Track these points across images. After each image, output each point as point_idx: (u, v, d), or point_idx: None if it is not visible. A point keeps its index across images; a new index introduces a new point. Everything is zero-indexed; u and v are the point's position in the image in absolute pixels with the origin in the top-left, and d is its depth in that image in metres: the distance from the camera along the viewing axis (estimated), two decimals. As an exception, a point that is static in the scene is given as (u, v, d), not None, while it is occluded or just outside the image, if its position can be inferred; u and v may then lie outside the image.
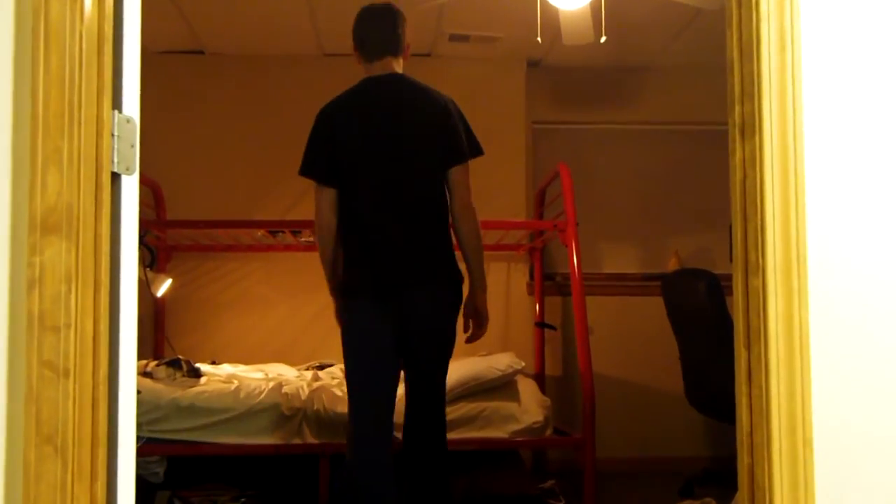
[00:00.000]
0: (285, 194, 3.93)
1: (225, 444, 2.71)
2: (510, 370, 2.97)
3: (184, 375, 3.07)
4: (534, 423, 2.85)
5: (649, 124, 4.23)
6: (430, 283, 2.07)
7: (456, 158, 2.10)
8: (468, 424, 2.81)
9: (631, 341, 3.97)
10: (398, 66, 2.16)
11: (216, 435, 2.72)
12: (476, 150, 2.15)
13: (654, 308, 3.53)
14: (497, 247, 3.85)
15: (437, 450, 2.11)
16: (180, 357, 3.16)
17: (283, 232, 3.49)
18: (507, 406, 2.87)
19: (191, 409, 2.74)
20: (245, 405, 2.76)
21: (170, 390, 2.83)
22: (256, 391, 2.84)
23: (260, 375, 3.23)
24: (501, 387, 2.96)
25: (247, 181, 3.96)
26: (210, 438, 2.71)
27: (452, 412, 2.76)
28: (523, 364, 3.04)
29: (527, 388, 3.07)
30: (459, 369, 2.95)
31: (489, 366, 2.96)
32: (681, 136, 4.23)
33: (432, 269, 2.07)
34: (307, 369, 3.56)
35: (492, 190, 3.98)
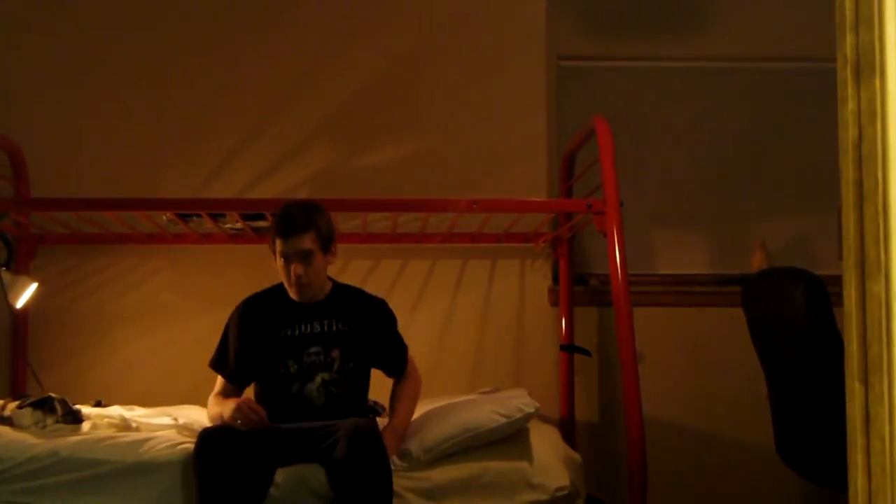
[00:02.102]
0: (200, 164, 3.93)
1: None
2: (520, 415, 2.95)
3: (58, 421, 3.05)
4: (557, 489, 2.83)
5: (722, 61, 4.23)
6: None
7: None
8: (461, 495, 2.77)
9: (697, 371, 3.97)
10: None
11: (94, 497, 2.72)
12: None
13: (730, 324, 3.52)
14: (506, 237, 3.84)
15: None
16: (52, 395, 3.13)
17: (197, 216, 3.46)
18: (517, 467, 2.84)
19: (68, 462, 2.74)
20: (142, 457, 2.76)
21: (41, 440, 2.83)
22: (161, 442, 2.83)
23: (166, 421, 3.21)
24: (508, 439, 2.94)
25: (147, 146, 3.95)
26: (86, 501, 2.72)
27: (438, 476, 2.74)
28: (537, 406, 3.02)
29: (546, 439, 3.06)
30: (449, 415, 2.94)
31: (490, 410, 2.95)
32: (767, 79, 4.23)
33: None
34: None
35: (499, 155, 4.01)
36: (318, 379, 2.98)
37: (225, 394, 3.02)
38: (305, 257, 2.91)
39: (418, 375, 3.21)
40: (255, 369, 3.04)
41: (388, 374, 3.17)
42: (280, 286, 3.06)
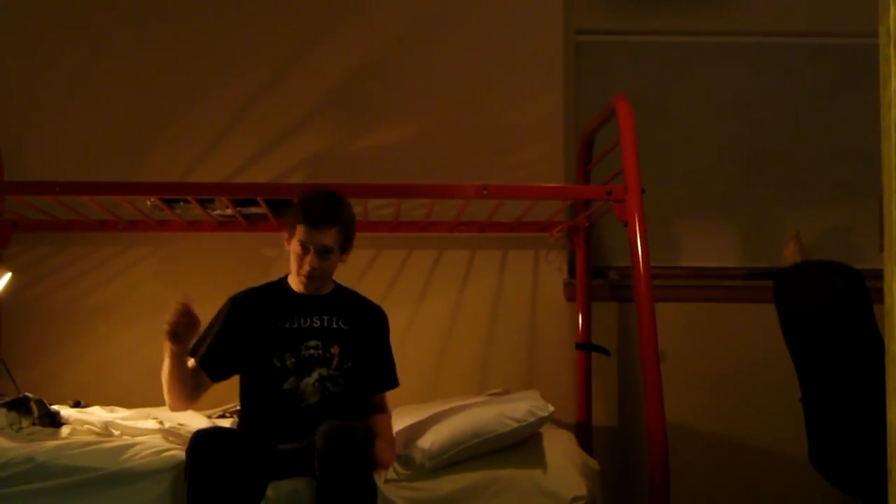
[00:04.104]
0: (187, 145, 3.93)
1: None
2: (533, 419, 2.94)
3: (34, 423, 3.05)
4: (573, 499, 2.83)
5: (753, 36, 4.22)
6: None
7: None
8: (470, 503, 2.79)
9: (725, 372, 3.96)
10: None
11: None
12: None
13: (760, 321, 3.52)
14: (518, 226, 3.84)
15: None
16: (28, 395, 3.14)
17: (184, 201, 3.46)
18: (529, 475, 2.82)
19: (46, 469, 2.73)
20: (126, 464, 2.75)
21: (16, 444, 2.83)
22: (146, 448, 2.83)
23: (151, 425, 3.22)
24: (520, 445, 2.93)
25: (129, 126, 3.95)
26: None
27: (444, 486, 2.74)
28: (552, 410, 3.01)
29: (561, 445, 3.05)
30: (455, 419, 2.93)
31: (500, 413, 2.94)
32: (803, 55, 4.22)
33: None
34: (222, 415, 3.53)
35: (512, 137, 4.00)
36: (315, 374, 2.99)
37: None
38: (324, 252, 2.98)
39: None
40: (238, 362, 3.05)
41: (372, 388, 3.16)
42: (279, 282, 3.12)
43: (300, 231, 2.96)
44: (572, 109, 4.11)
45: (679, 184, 4.15)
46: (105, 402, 3.59)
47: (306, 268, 2.99)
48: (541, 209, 3.74)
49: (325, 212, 2.96)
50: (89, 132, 3.95)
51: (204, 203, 3.47)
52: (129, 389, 3.77)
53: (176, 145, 3.93)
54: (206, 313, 3.73)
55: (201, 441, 2.66)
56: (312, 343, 3.02)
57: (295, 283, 3.06)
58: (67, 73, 3.99)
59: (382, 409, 3.16)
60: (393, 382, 3.21)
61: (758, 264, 4.07)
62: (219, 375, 3.06)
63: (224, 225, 3.76)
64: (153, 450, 2.84)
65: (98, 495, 2.73)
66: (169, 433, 3.03)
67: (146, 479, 2.74)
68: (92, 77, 3.99)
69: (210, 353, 3.04)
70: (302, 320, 3.04)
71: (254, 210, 3.55)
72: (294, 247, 3.00)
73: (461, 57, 4.03)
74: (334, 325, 3.06)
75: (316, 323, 3.04)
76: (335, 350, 3.03)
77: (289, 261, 3.03)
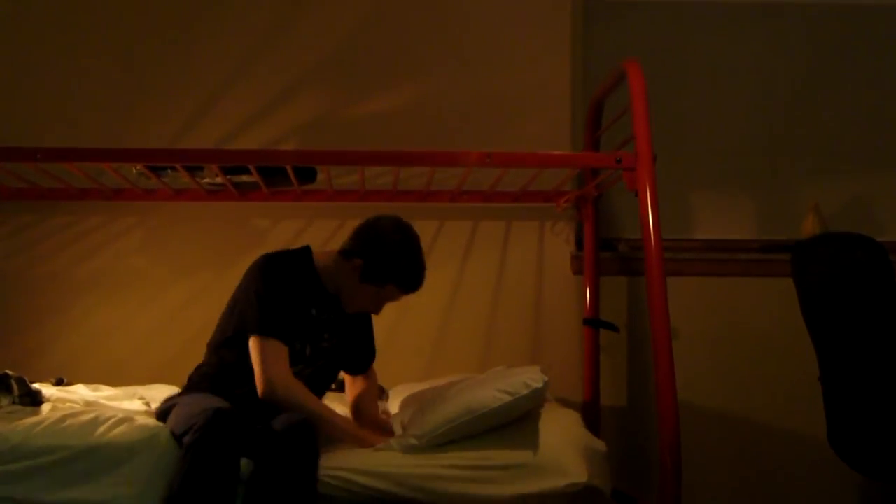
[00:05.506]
0: (175, 110, 3.92)
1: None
2: (526, 391, 2.88)
3: (14, 402, 3.05)
4: (569, 484, 2.80)
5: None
6: None
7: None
8: (461, 485, 2.73)
9: (739, 350, 3.97)
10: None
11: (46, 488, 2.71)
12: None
13: (777, 296, 3.53)
14: (524, 196, 3.84)
15: None
16: (8, 373, 3.14)
17: (172, 169, 3.45)
18: (525, 456, 2.79)
19: (22, 449, 2.72)
20: (100, 441, 2.76)
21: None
22: (125, 423, 2.83)
23: (137, 406, 3.21)
24: (518, 424, 2.91)
25: (114, 91, 3.94)
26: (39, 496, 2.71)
27: (435, 465, 2.74)
28: (546, 380, 2.96)
29: (562, 425, 3.02)
30: (449, 396, 2.92)
31: (494, 389, 2.92)
32: (826, 16, 4.21)
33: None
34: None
35: (517, 102, 3.98)
36: (318, 363, 3.05)
37: (293, 378, 2.95)
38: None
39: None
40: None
41: (363, 365, 3.25)
42: (309, 264, 3.10)
43: (393, 292, 3.05)
44: (581, 73, 4.09)
45: (693, 152, 4.14)
46: (89, 379, 3.59)
47: (375, 312, 3.13)
48: (547, 178, 3.73)
49: (422, 279, 3.08)
50: (72, 96, 3.93)
51: (193, 171, 3.45)
52: (115, 366, 3.78)
53: (164, 110, 3.91)
54: (195, 286, 3.75)
55: (219, 421, 2.61)
56: (327, 336, 3.07)
57: (348, 295, 3.08)
58: (48, 34, 3.96)
59: (374, 381, 3.27)
60: (374, 353, 3.29)
61: (775, 237, 4.06)
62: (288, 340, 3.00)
63: (214, 194, 3.75)
64: (136, 424, 2.83)
65: (80, 473, 2.71)
66: (155, 413, 3.04)
67: (131, 454, 2.72)
68: (75, 38, 3.96)
69: (277, 321, 2.94)
70: (324, 312, 3.07)
71: (245, 178, 3.54)
72: (374, 296, 3.06)
73: (464, 17, 4.02)
74: (341, 315, 3.11)
75: (332, 315, 3.09)
76: (335, 341, 3.09)
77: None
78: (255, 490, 2.60)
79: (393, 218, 3.08)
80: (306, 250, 3.11)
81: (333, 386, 3.28)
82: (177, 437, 2.70)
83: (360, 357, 3.24)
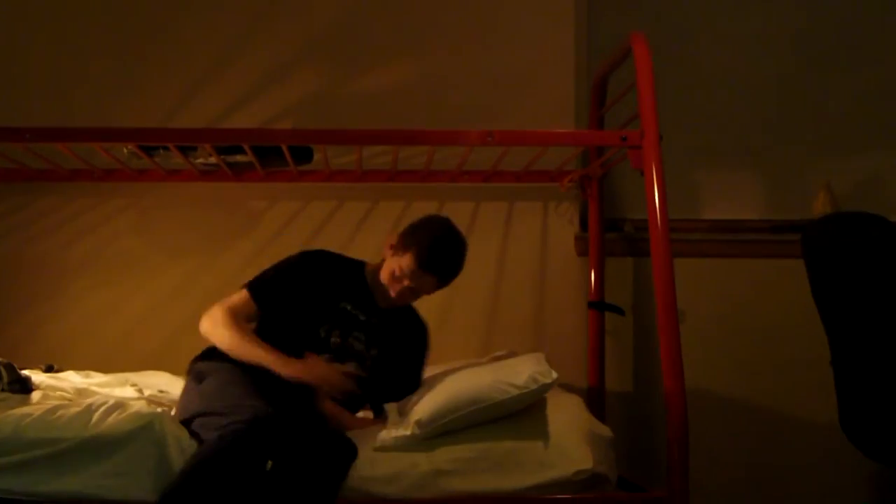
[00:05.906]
0: (167, 88, 3.90)
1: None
2: (535, 387, 2.90)
3: (3, 389, 3.05)
4: (576, 472, 2.81)
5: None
6: None
7: None
8: (464, 478, 2.75)
9: (748, 333, 3.97)
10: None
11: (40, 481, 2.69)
12: None
13: (787, 278, 3.53)
14: (526, 176, 3.83)
15: None
16: (-3, 359, 3.16)
17: (164, 149, 3.44)
18: (531, 446, 2.82)
19: (11, 442, 2.70)
20: (94, 431, 2.73)
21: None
22: (117, 411, 2.81)
23: (130, 393, 3.21)
24: (521, 413, 2.92)
25: (104, 68, 3.92)
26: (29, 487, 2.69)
27: (436, 458, 2.73)
28: (556, 376, 2.99)
29: (567, 412, 3.04)
30: (452, 385, 2.91)
31: (499, 379, 2.91)
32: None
33: None
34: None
35: (518, 79, 3.98)
36: (348, 366, 3.10)
37: (239, 320, 3.02)
38: (416, 292, 3.15)
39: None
40: (286, 309, 3.11)
41: (393, 396, 3.18)
42: (359, 265, 3.26)
43: (412, 265, 3.06)
44: (585, 49, 4.08)
45: (700, 130, 4.13)
46: (80, 366, 3.59)
47: (397, 290, 3.11)
48: (550, 157, 3.68)
49: (439, 263, 3.10)
50: (61, 74, 3.92)
51: (185, 151, 3.45)
52: (107, 352, 3.79)
53: (156, 88, 3.89)
54: (189, 269, 3.72)
55: (258, 431, 2.58)
56: (360, 336, 3.13)
57: (384, 289, 3.15)
58: (37, 12, 3.94)
59: None
60: (417, 385, 3.24)
61: (785, 217, 4.05)
62: (265, 309, 3.10)
63: (207, 174, 3.75)
64: (131, 411, 2.80)
65: (72, 466, 2.71)
66: (148, 402, 3.02)
67: (125, 445, 2.71)
68: (64, 14, 3.94)
69: (273, 305, 3.10)
70: (361, 312, 3.15)
71: (239, 158, 3.53)
72: (394, 264, 3.10)
73: (464, -8, 4.00)
74: (383, 331, 3.19)
75: (374, 320, 3.18)
76: (374, 352, 3.16)
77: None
78: (272, 491, 2.58)
79: (443, 217, 3.24)
80: (361, 261, 3.27)
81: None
82: (196, 416, 2.73)
83: (401, 383, 3.21)
